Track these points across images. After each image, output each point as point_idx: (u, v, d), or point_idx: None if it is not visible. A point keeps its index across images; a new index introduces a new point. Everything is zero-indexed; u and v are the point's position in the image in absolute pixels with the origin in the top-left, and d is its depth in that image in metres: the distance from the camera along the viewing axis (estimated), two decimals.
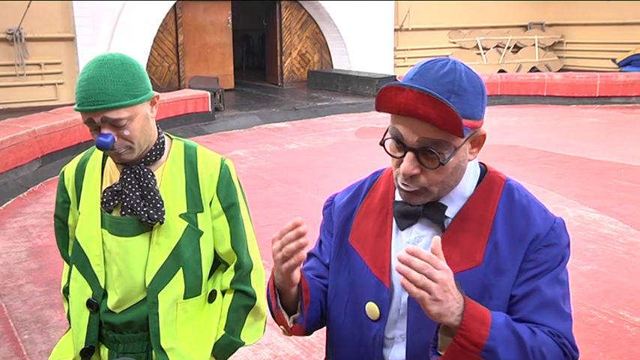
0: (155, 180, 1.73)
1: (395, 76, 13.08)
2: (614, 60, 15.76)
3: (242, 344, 1.83)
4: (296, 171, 7.44)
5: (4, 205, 6.29)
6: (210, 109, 10.35)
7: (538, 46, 16.68)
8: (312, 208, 5.64)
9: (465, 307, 1.16)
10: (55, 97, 11.45)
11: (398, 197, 1.38)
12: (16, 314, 3.96)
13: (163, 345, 1.72)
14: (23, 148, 7.04)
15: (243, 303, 1.81)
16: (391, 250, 1.36)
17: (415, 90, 1.18)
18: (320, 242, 1.54)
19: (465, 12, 15.86)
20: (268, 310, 1.47)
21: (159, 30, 12.57)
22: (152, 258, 1.72)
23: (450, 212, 1.32)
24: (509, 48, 16.44)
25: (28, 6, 10.64)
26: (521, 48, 16.67)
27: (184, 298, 1.75)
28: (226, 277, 1.82)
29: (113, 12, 11.74)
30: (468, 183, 1.34)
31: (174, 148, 1.80)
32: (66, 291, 1.87)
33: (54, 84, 11.54)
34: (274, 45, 14.51)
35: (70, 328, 1.85)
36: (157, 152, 1.75)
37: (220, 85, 12.02)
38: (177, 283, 1.73)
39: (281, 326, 1.42)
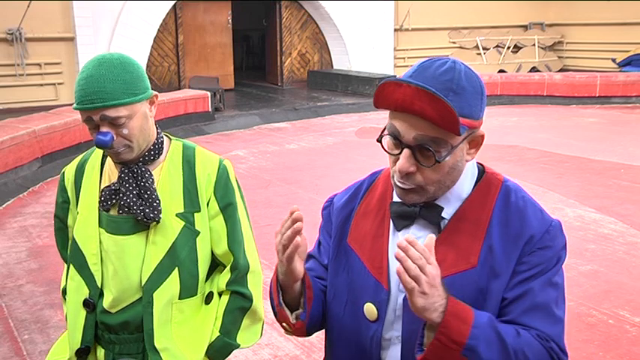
0: (152, 179, 1.73)
1: (395, 76, 13.06)
2: (614, 60, 15.76)
3: (237, 347, 1.81)
4: (296, 171, 7.44)
5: (4, 205, 6.29)
6: (210, 109, 10.35)
7: (538, 46, 16.68)
8: (312, 208, 5.62)
9: (448, 304, 1.17)
10: (55, 97, 11.45)
11: (395, 198, 1.37)
12: (16, 314, 3.96)
13: (157, 345, 1.72)
14: (23, 148, 7.04)
15: (239, 305, 1.80)
16: (388, 250, 1.36)
17: (413, 86, 1.18)
18: (319, 243, 1.53)
19: (465, 12, 15.86)
20: (270, 308, 1.47)
21: (159, 30, 12.57)
22: (148, 257, 1.72)
23: (447, 213, 1.31)
24: (509, 48, 16.45)
25: (28, 6, 10.64)
26: (521, 48, 16.67)
27: (180, 298, 1.74)
28: (222, 279, 1.81)
29: (113, 12, 11.75)
30: (466, 184, 1.33)
31: (173, 148, 1.80)
32: (65, 292, 1.87)
33: (54, 84, 11.54)
34: (274, 45, 14.51)
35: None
36: (155, 152, 1.75)
37: (220, 85, 12.02)
38: (173, 282, 1.73)
39: (283, 324, 1.41)
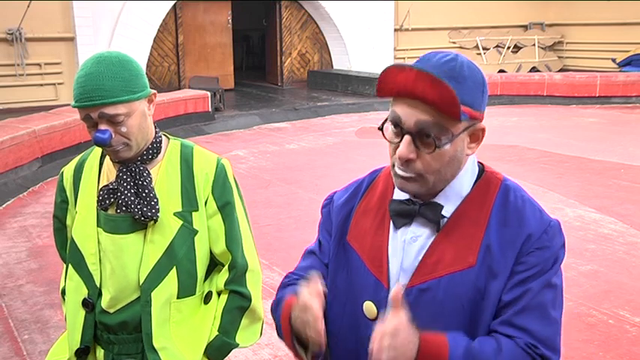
0: (150, 178, 1.73)
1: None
2: (614, 60, 15.76)
3: (236, 346, 1.81)
4: (296, 171, 7.44)
5: (4, 205, 6.29)
6: (210, 109, 10.35)
7: (538, 46, 16.68)
8: (312, 208, 5.63)
9: (420, 346, 1.18)
10: (55, 97, 11.45)
11: (395, 196, 1.37)
12: (16, 314, 3.96)
13: (155, 344, 1.71)
14: (23, 148, 7.04)
15: (237, 304, 1.79)
16: (388, 249, 1.35)
17: (415, 69, 1.19)
18: (319, 242, 1.53)
19: (465, 12, 15.86)
20: (270, 308, 1.47)
21: (159, 30, 12.58)
22: (146, 256, 1.72)
23: (447, 212, 1.31)
24: (509, 48, 16.45)
25: (28, 6, 10.64)
26: (521, 48, 16.67)
27: (178, 297, 1.74)
28: (221, 278, 1.80)
29: (113, 12, 11.75)
30: (465, 182, 1.33)
31: (171, 148, 1.79)
32: (64, 292, 1.86)
33: (54, 84, 11.54)
34: (274, 45, 14.52)
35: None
36: (153, 151, 1.74)
37: (220, 85, 12.02)
38: (171, 281, 1.72)
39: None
